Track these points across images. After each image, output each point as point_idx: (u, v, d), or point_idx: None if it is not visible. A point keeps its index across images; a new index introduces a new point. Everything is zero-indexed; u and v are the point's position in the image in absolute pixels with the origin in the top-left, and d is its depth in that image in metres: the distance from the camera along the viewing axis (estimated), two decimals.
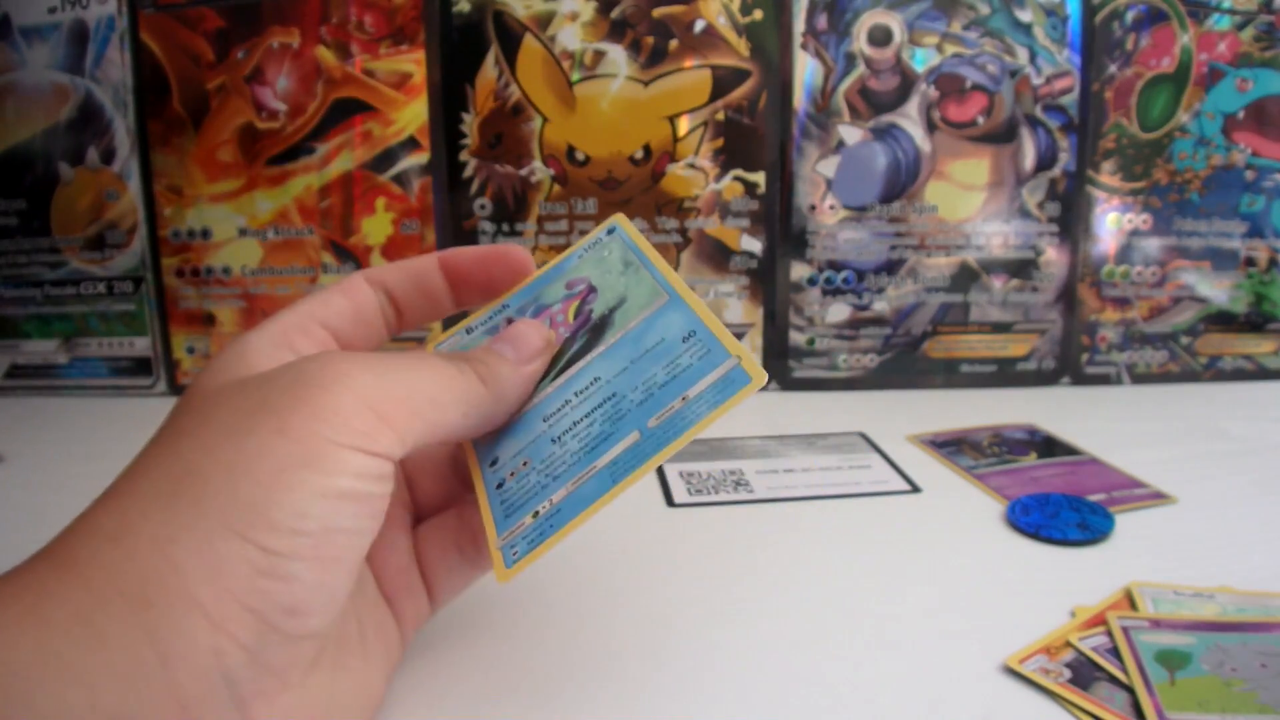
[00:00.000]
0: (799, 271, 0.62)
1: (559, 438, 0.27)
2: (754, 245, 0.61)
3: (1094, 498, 0.43)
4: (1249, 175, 0.61)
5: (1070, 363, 0.63)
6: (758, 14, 0.59)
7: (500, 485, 0.27)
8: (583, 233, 0.61)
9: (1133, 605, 0.34)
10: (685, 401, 0.26)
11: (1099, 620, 0.32)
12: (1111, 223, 0.62)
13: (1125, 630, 0.32)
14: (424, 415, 0.24)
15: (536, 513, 0.26)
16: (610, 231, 0.32)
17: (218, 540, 0.20)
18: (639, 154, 0.60)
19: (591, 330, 0.29)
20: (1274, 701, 0.28)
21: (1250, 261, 0.62)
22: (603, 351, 0.29)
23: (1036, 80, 0.60)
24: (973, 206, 0.61)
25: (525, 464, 0.27)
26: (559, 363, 0.29)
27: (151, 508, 0.21)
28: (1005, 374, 0.63)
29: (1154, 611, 0.34)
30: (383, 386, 0.23)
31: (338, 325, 0.29)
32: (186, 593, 0.20)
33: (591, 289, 0.31)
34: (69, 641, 0.19)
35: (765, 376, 0.25)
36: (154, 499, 0.21)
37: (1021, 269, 0.62)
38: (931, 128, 0.60)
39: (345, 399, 0.22)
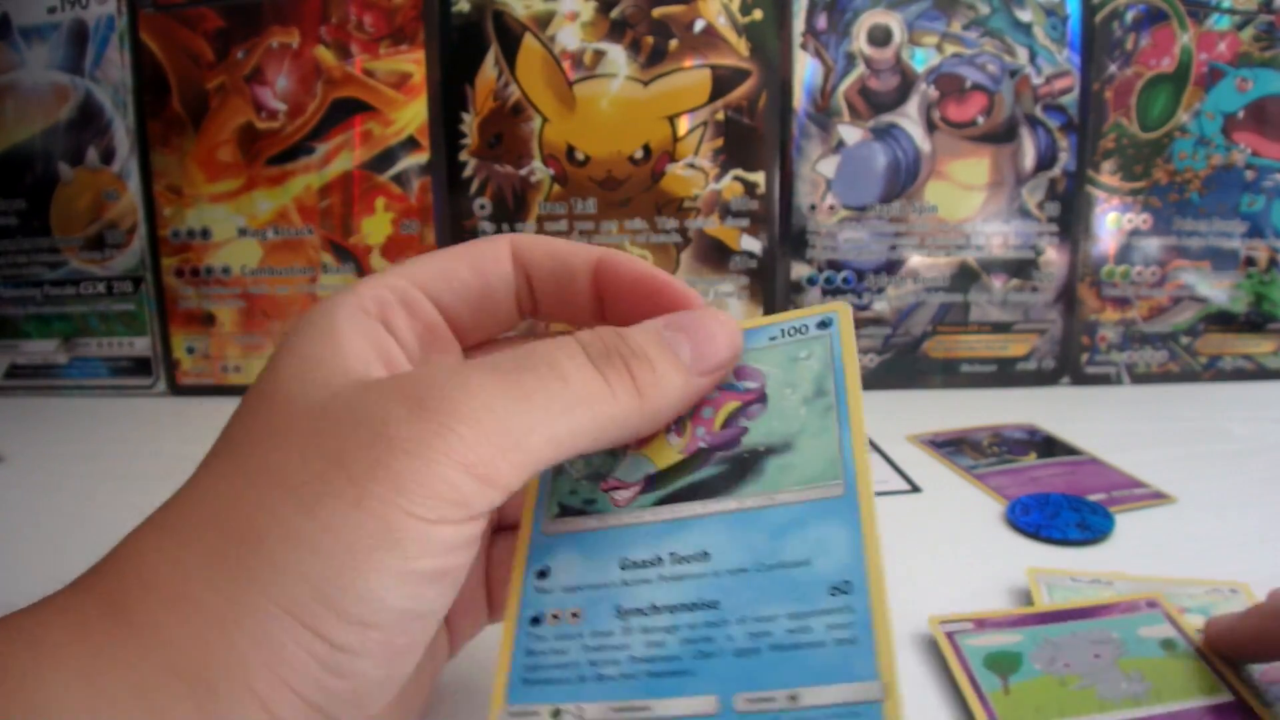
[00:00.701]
0: (799, 271, 0.62)
1: (627, 614, 0.20)
2: (754, 245, 0.61)
3: (1094, 497, 0.43)
4: (1249, 175, 0.61)
5: (1070, 363, 0.63)
6: (758, 14, 0.59)
7: (536, 622, 0.21)
8: (582, 233, 0.61)
9: (1030, 597, 0.33)
10: (793, 704, 0.18)
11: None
12: (1111, 223, 0.62)
13: (950, 636, 0.29)
14: (543, 455, 0.19)
15: (558, 712, 0.19)
16: (824, 324, 0.23)
17: (282, 630, 0.18)
18: (639, 154, 0.60)
19: (734, 464, 0.22)
20: (1113, 694, 0.27)
21: (1250, 261, 0.62)
22: (732, 512, 0.21)
23: (1036, 80, 0.60)
24: (973, 206, 0.61)
25: (576, 616, 0.21)
26: (676, 480, 0.22)
27: (215, 575, 0.18)
28: (1005, 374, 0.63)
29: (1050, 602, 0.32)
30: (494, 437, 0.19)
31: (451, 305, 0.24)
32: (248, 685, 0.18)
33: (762, 398, 0.23)
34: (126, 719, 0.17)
35: None
36: (218, 564, 0.18)
37: (1021, 269, 0.62)
38: (931, 128, 0.60)
39: (437, 467, 0.18)
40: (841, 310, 0.23)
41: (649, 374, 0.21)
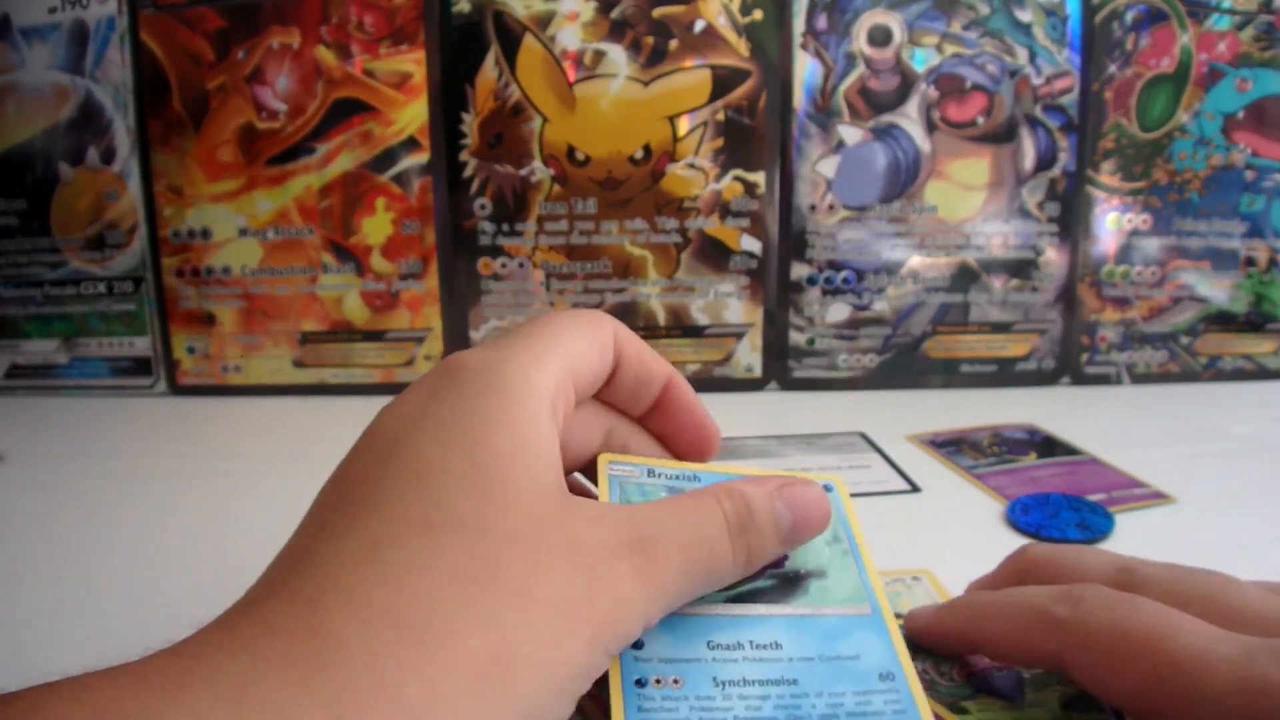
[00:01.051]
0: (799, 271, 0.62)
1: (724, 684, 0.24)
2: (754, 245, 0.61)
3: (1094, 497, 0.43)
4: (1249, 175, 0.61)
5: (1070, 363, 0.63)
6: (758, 14, 0.59)
7: (641, 684, 0.24)
8: (582, 233, 0.61)
9: None
10: None
11: None
12: (1111, 223, 0.62)
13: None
14: (673, 605, 0.23)
15: None
16: (827, 488, 0.30)
17: None
18: (639, 154, 0.60)
19: (783, 580, 0.27)
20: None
21: (1250, 261, 0.62)
22: (790, 616, 0.26)
23: (1036, 80, 0.60)
24: (973, 206, 0.61)
25: (677, 683, 0.24)
26: (738, 585, 0.26)
27: (473, 702, 0.18)
28: (1005, 374, 0.63)
29: None
30: (669, 604, 0.22)
31: (581, 392, 0.26)
32: None
33: None
34: None
35: None
36: (478, 688, 0.18)
37: (1021, 269, 0.62)
38: (931, 128, 0.60)
39: (636, 622, 0.21)
40: (838, 482, 0.30)
41: (759, 546, 0.25)
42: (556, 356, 0.24)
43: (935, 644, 0.28)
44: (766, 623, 0.26)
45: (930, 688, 0.27)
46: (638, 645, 0.24)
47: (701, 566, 0.23)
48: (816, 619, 0.26)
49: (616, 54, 0.59)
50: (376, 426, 0.23)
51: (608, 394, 0.28)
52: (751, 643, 0.25)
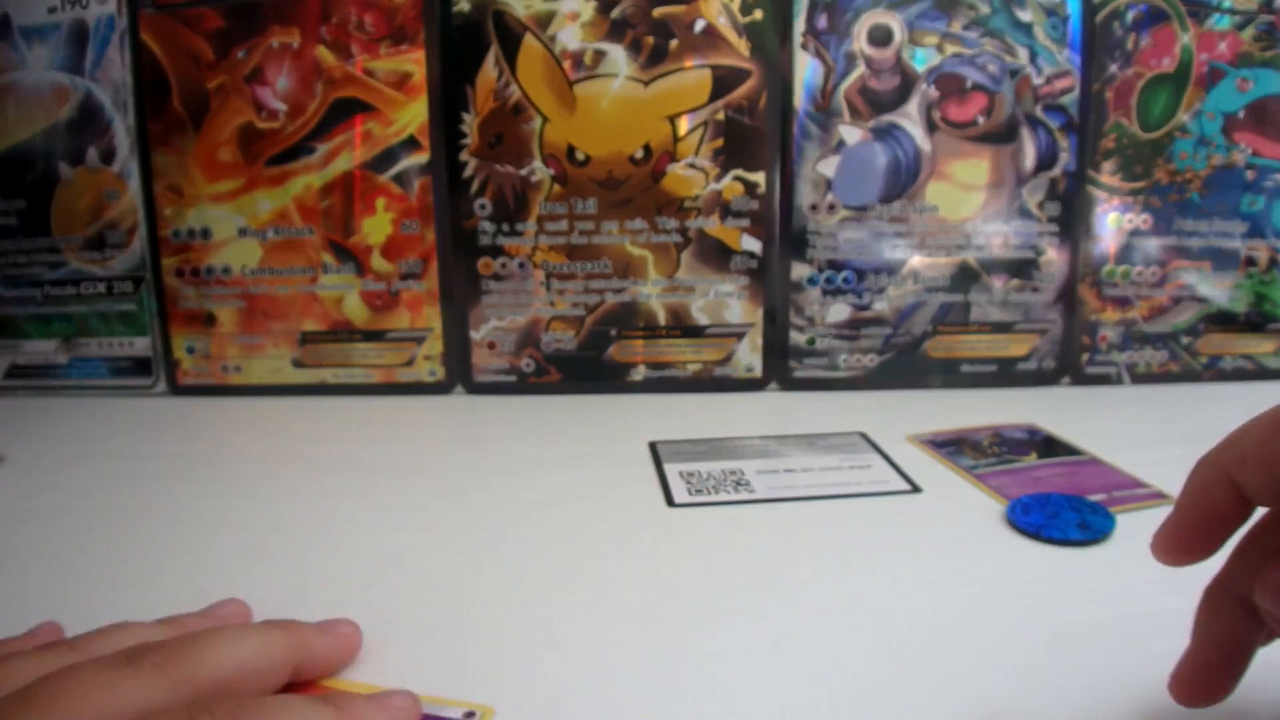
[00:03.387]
0: (799, 271, 0.62)
1: None
2: (754, 245, 0.61)
3: (1094, 498, 0.43)
4: (1249, 175, 0.61)
5: (1070, 363, 0.63)
6: (758, 14, 0.59)
7: None
8: (583, 233, 0.61)
9: None
10: None
11: None
12: (1112, 223, 0.62)
13: None
14: None
15: None
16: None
17: None
18: (639, 154, 0.60)
19: None
20: None
21: (1250, 261, 0.62)
22: None
23: (1037, 80, 0.60)
24: (973, 206, 0.61)
25: None
26: None
27: None
28: (1005, 374, 0.63)
29: None
30: None
31: None
32: None
33: None
34: None
35: None
36: None
37: (1022, 269, 0.62)
38: (932, 128, 0.60)
39: None
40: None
41: None
42: None
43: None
44: None
45: None
46: None
47: None
48: None
49: (616, 54, 0.59)
50: None
51: None
52: None
